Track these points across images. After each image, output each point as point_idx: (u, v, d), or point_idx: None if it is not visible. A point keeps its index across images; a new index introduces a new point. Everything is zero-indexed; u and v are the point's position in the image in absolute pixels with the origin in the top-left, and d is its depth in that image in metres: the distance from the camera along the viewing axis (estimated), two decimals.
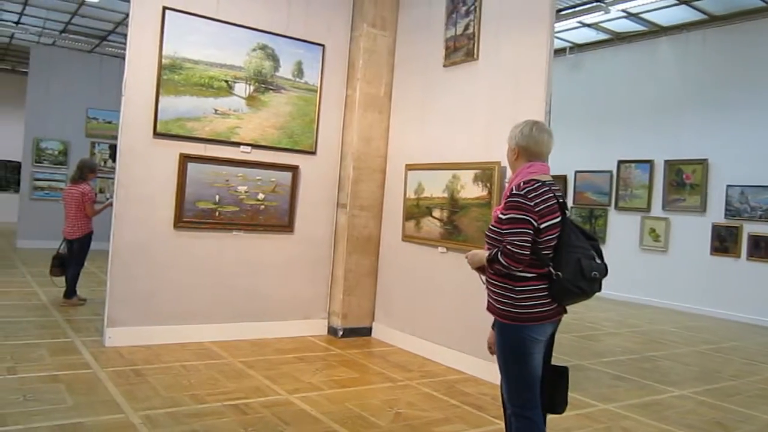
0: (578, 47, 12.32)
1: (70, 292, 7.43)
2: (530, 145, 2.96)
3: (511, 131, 3.03)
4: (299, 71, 6.48)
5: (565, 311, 2.91)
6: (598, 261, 2.87)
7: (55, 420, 3.78)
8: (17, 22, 13.06)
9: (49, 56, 13.56)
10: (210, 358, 5.48)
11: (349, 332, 6.67)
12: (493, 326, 3.05)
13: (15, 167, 17.82)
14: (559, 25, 10.38)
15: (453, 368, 5.65)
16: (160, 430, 3.75)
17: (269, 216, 6.37)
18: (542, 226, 2.77)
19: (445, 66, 6.11)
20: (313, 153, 6.63)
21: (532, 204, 2.77)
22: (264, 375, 5.07)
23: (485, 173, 5.47)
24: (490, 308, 2.95)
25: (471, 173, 5.62)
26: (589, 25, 11.06)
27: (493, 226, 2.91)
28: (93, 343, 5.66)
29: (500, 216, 2.84)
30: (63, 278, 7.48)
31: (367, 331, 6.79)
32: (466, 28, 5.84)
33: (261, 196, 6.30)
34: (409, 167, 6.42)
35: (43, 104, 13.20)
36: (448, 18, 6.08)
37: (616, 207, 11.67)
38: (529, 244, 2.73)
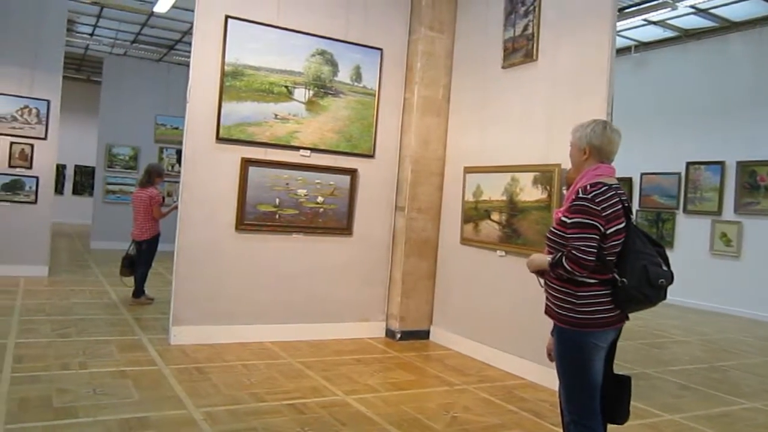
0: (643, 45, 11.96)
1: (138, 292, 7.72)
2: (603, 145, 2.86)
3: (578, 131, 2.93)
4: (357, 75, 6.54)
5: (627, 318, 2.83)
6: (665, 268, 2.77)
7: (122, 414, 3.94)
8: (91, 34, 13.70)
9: (121, 66, 14.15)
10: (270, 358, 5.59)
11: (407, 335, 6.67)
12: (553, 332, 2.99)
13: (90, 172, 18.66)
14: (624, 24, 10.10)
15: (511, 373, 5.58)
16: (220, 426, 3.85)
17: (328, 219, 6.45)
18: (608, 231, 2.69)
19: (503, 67, 6.05)
20: (372, 156, 6.67)
21: (599, 208, 2.69)
22: (322, 376, 5.14)
23: (545, 176, 5.38)
24: (549, 312, 2.89)
25: (530, 176, 5.54)
26: (655, 23, 10.72)
27: (555, 229, 2.84)
28: (159, 341, 5.86)
29: (564, 219, 2.77)
30: (132, 278, 7.78)
31: (424, 334, 6.78)
32: (525, 28, 5.76)
33: (320, 199, 6.39)
34: (468, 170, 6.38)
35: (115, 112, 13.77)
36: (506, 19, 6.01)
37: (685, 210, 11.23)
38: (595, 250, 2.66)
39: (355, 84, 6.53)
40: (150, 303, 7.67)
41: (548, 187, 5.33)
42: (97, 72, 16.62)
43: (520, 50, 5.83)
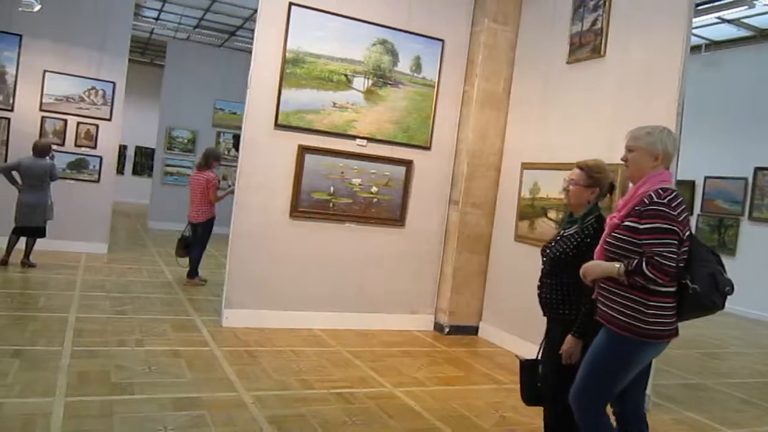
0: (715, 44, 11.49)
1: (192, 273, 7.88)
2: (672, 152, 2.81)
3: (648, 135, 2.80)
4: (417, 66, 6.48)
5: (677, 333, 2.73)
6: (726, 275, 2.71)
7: (174, 393, 4.02)
8: (157, 18, 14.01)
9: (183, 50, 14.43)
10: (319, 346, 5.62)
11: (456, 330, 6.61)
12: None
13: (150, 153, 19.17)
14: (696, 21, 9.69)
15: None
16: (269, 411, 3.88)
17: (381, 209, 6.44)
18: (684, 236, 2.63)
19: (568, 62, 5.89)
20: (428, 148, 6.61)
21: (675, 213, 2.60)
22: (370, 366, 5.13)
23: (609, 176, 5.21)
24: (607, 318, 2.77)
25: None
26: (729, 21, 10.27)
27: (621, 234, 2.71)
28: (211, 323, 5.97)
29: (633, 225, 2.65)
30: (187, 259, 7.95)
31: (473, 330, 6.71)
32: (594, 23, 5.59)
33: (374, 189, 6.37)
34: (526, 166, 6.26)
35: (176, 95, 14.07)
36: (574, 13, 5.85)
37: (750, 217, 10.76)
38: (676, 256, 2.58)
39: (415, 75, 6.48)
40: (203, 284, 7.82)
41: None
42: (161, 56, 17.03)
43: (587, 45, 5.66)
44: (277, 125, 5.92)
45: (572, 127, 5.78)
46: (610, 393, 2.80)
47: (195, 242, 7.86)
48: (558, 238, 3.29)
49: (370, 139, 6.31)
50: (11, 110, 9.07)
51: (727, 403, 5.27)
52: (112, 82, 9.60)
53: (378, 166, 6.37)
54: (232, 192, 6.25)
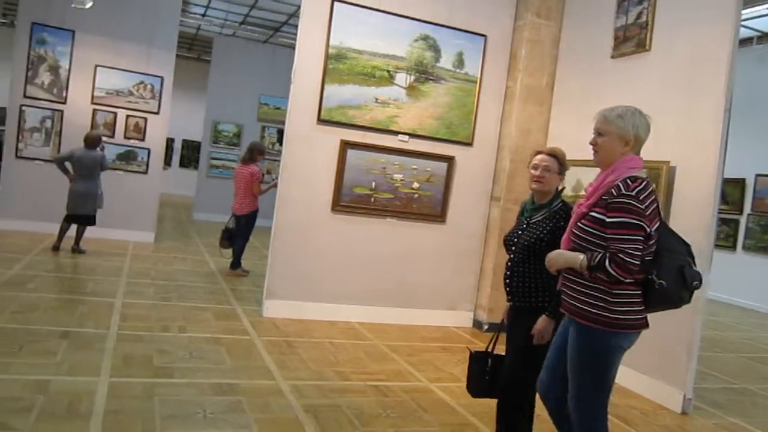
0: (767, 37, 11.12)
1: (235, 264, 8.04)
2: (644, 136, 2.67)
3: (619, 118, 2.63)
4: (460, 62, 6.46)
5: (648, 325, 2.65)
6: (695, 268, 2.61)
7: (214, 378, 4.12)
8: (203, 15, 14.28)
9: (229, 46, 14.68)
10: (357, 338, 5.67)
11: (495, 327, 6.58)
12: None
13: (196, 146, 19.56)
14: (747, 12, 9.38)
15: None
16: (306, 400, 3.95)
17: (422, 205, 6.45)
18: (651, 231, 2.52)
19: (612, 57, 5.79)
20: (470, 144, 6.59)
21: (643, 207, 2.49)
22: (406, 360, 5.16)
23: (651, 173, 5.10)
24: (573, 310, 2.68)
25: None
26: None
27: (587, 226, 2.60)
28: (252, 312, 6.09)
29: (599, 217, 2.55)
30: (230, 250, 8.11)
31: None
32: (639, 16, 5.49)
33: (416, 184, 6.39)
34: (569, 162, 6.16)
35: (222, 90, 14.35)
36: (618, 6, 5.74)
37: None
38: (641, 253, 2.48)
39: (457, 71, 6.46)
40: (245, 275, 7.96)
41: (654, 185, 5.06)
42: (207, 51, 17.35)
43: (631, 39, 5.56)
44: (320, 120, 5.98)
45: None
46: (606, 389, 2.68)
47: (238, 234, 8.01)
48: (524, 225, 3.25)
49: (412, 135, 6.33)
50: (64, 103, 9.40)
51: None
52: (160, 76, 9.85)
53: (419, 161, 6.38)
54: (275, 185, 6.36)
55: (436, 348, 5.72)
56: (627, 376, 5.06)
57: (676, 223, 4.85)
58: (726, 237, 11.20)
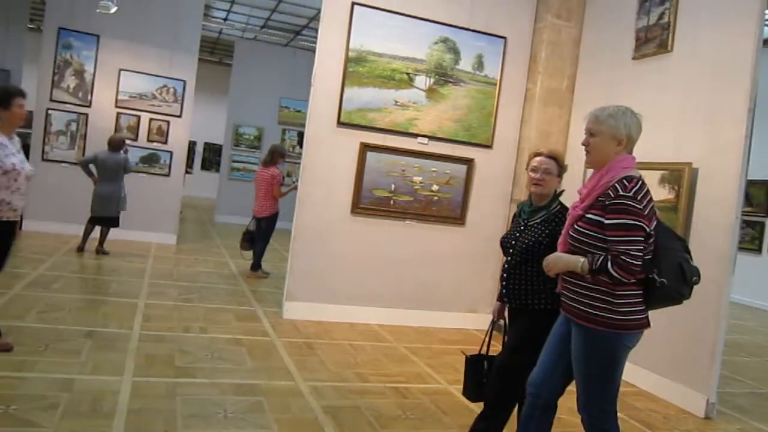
0: None
1: (256, 266, 8.10)
2: (635, 135, 2.66)
3: (611, 118, 2.64)
4: (479, 64, 6.46)
5: (649, 324, 2.64)
6: (693, 264, 2.60)
7: (235, 379, 4.16)
8: (225, 19, 14.42)
9: (250, 49, 14.81)
10: (376, 340, 5.69)
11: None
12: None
13: (217, 150, 19.76)
14: None
15: (623, 380, 5.32)
16: (325, 401, 3.97)
17: (442, 207, 6.45)
18: (650, 230, 2.51)
19: (634, 58, 5.75)
20: (490, 147, 6.58)
21: (641, 207, 2.47)
22: (426, 363, 5.16)
23: (673, 174, 5.07)
24: (575, 312, 2.66)
25: (657, 174, 5.24)
26: None
27: (584, 228, 2.59)
28: (272, 314, 6.13)
29: (600, 220, 2.53)
30: (251, 252, 8.18)
31: None
32: (661, 17, 5.44)
33: (435, 187, 6.39)
34: (589, 165, 6.12)
35: (243, 93, 14.47)
36: (640, 7, 5.70)
37: None
38: (642, 254, 2.47)
39: (477, 73, 6.46)
40: (266, 277, 8.02)
41: (676, 187, 5.02)
42: (229, 55, 17.53)
43: (653, 40, 5.52)
44: (340, 123, 6.01)
45: None
46: (614, 389, 2.69)
47: (259, 236, 8.07)
48: (522, 228, 3.25)
49: (431, 138, 6.33)
50: (89, 106, 9.56)
51: None
52: (182, 80, 9.97)
53: (439, 164, 6.38)
54: (296, 188, 6.40)
55: (456, 350, 5.70)
56: (649, 379, 5.02)
57: (698, 226, 4.82)
58: (751, 239, 11.04)
